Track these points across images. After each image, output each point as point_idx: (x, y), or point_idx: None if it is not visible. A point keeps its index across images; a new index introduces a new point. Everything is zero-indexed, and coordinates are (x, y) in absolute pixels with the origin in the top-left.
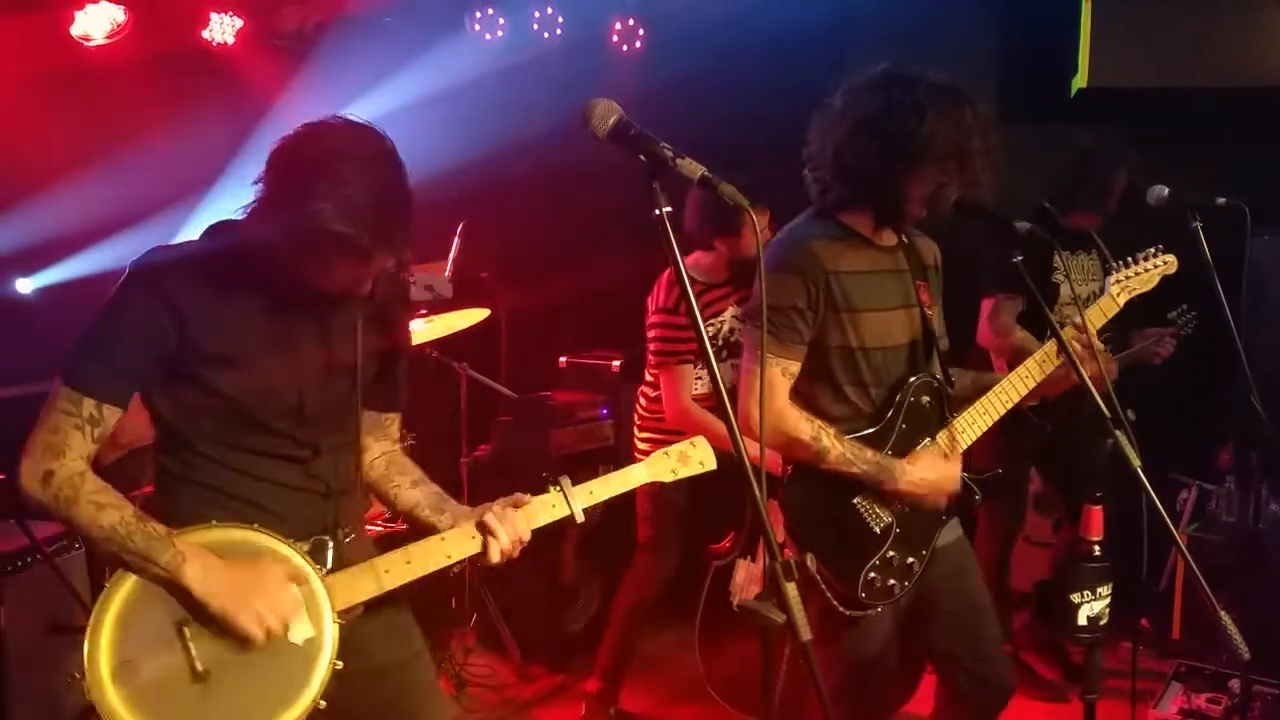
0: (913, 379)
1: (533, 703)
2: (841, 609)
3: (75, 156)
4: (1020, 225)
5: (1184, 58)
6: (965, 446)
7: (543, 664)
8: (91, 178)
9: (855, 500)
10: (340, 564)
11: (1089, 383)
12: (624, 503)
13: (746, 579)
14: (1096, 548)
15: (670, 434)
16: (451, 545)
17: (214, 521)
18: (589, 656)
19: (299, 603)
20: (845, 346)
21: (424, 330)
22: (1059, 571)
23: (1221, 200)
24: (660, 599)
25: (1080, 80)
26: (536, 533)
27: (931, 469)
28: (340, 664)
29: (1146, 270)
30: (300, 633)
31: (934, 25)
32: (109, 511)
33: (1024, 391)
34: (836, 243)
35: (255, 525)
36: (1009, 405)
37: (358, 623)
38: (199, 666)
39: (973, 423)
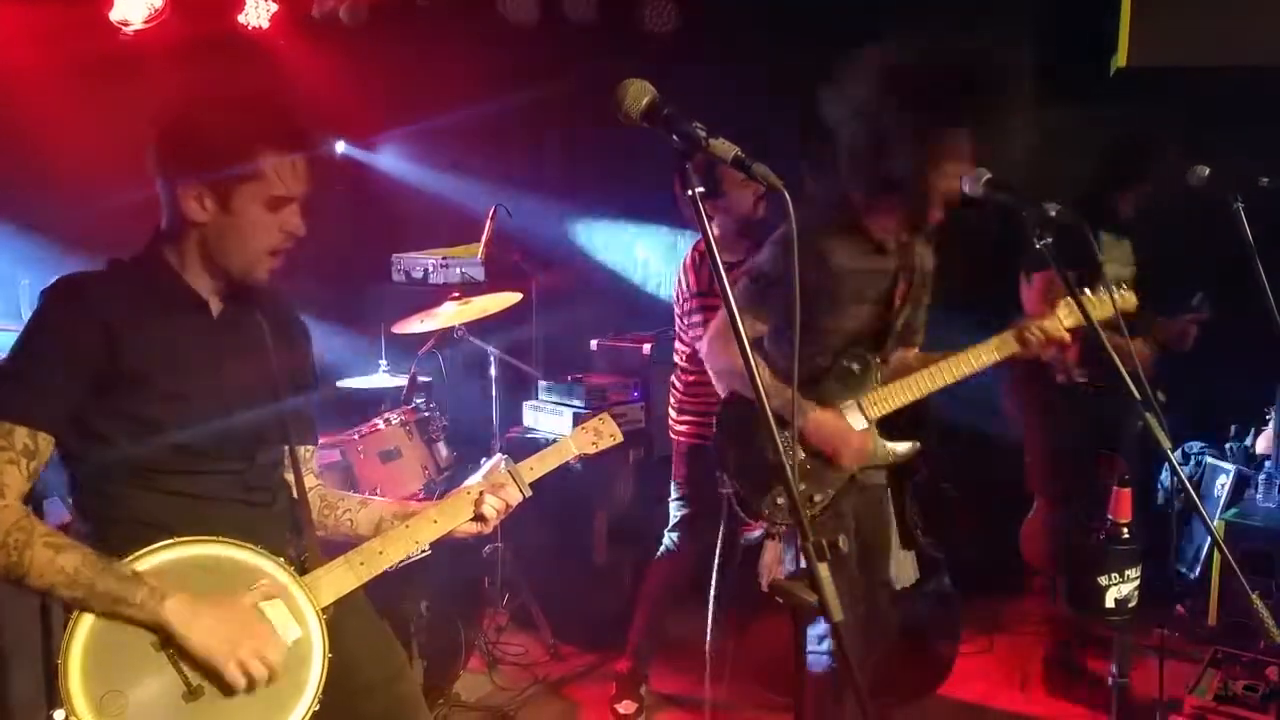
0: (851, 349)
1: (564, 681)
2: (743, 515)
3: (112, 141)
4: (1050, 206)
5: (1225, 35)
6: (876, 417)
7: (574, 644)
8: (128, 164)
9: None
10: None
11: (1119, 364)
12: (658, 485)
13: (774, 559)
14: (1125, 530)
15: (709, 413)
16: (418, 531)
17: (175, 537)
18: (620, 637)
19: (283, 644)
20: (813, 325)
21: (456, 313)
22: (1087, 554)
23: (1264, 181)
24: (692, 581)
25: (1119, 59)
26: (569, 515)
27: (831, 425)
28: (331, 655)
29: (1102, 301)
30: (289, 634)
31: (969, 3)
32: (69, 553)
33: (950, 380)
34: (844, 238)
35: (218, 536)
36: (929, 390)
37: (343, 642)
38: (192, 682)
39: (888, 397)
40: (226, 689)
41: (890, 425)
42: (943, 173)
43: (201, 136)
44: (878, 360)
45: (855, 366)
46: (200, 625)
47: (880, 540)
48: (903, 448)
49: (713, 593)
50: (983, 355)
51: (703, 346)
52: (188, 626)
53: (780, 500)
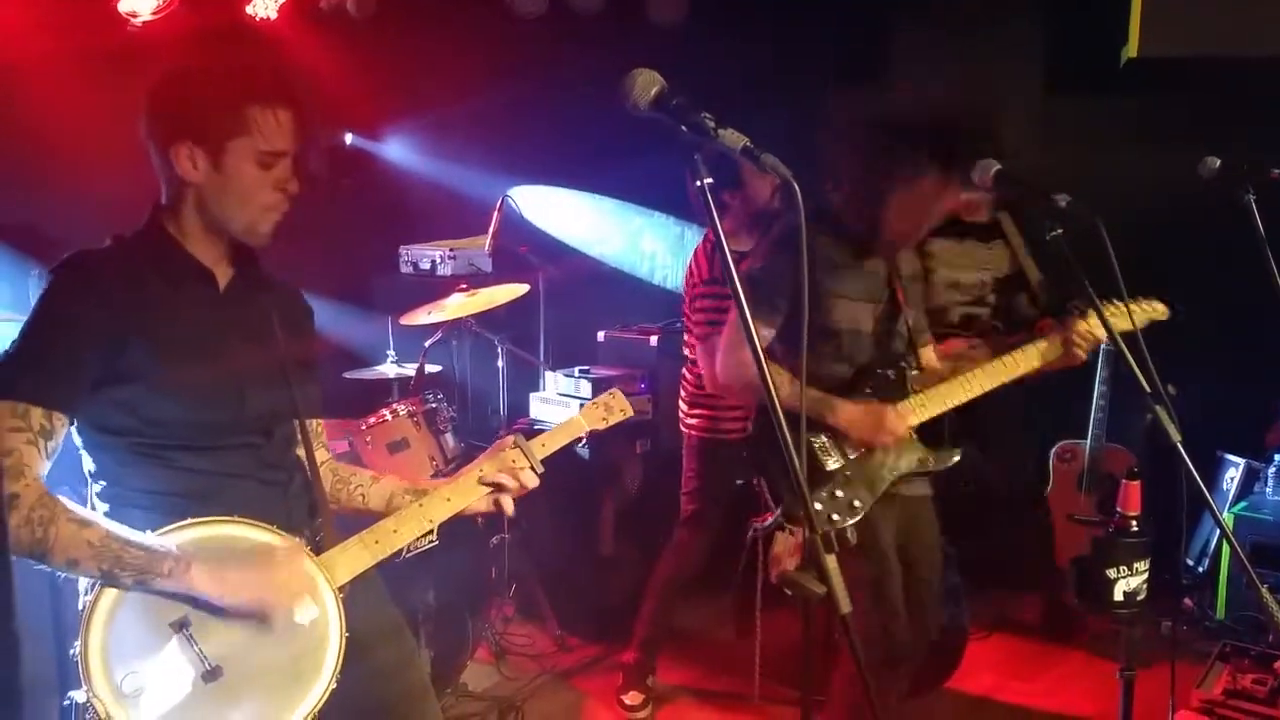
0: (882, 357)
1: (571, 672)
2: (787, 525)
3: (121, 133)
4: (1060, 198)
5: (1237, 25)
6: (916, 423)
7: (581, 634)
8: (137, 155)
9: (812, 439)
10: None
11: (1128, 355)
12: (665, 477)
13: (784, 551)
14: (1134, 523)
15: (722, 407)
16: (431, 510)
17: (190, 518)
18: (627, 628)
19: (313, 576)
20: (822, 325)
21: (463, 304)
22: (1095, 547)
23: (1276, 173)
24: (699, 573)
25: (1130, 50)
26: (576, 506)
27: (860, 410)
28: (348, 634)
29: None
30: (305, 614)
31: None
32: (93, 527)
33: (988, 387)
34: (830, 236)
35: (234, 516)
36: (964, 398)
37: (358, 622)
38: (211, 663)
39: (922, 406)
40: (245, 669)
41: (936, 434)
42: (946, 200)
43: (186, 95)
44: (908, 365)
45: (891, 374)
46: (230, 581)
47: (929, 558)
48: (949, 457)
49: (759, 585)
50: (1022, 362)
51: (717, 374)
52: (218, 586)
53: (820, 506)
